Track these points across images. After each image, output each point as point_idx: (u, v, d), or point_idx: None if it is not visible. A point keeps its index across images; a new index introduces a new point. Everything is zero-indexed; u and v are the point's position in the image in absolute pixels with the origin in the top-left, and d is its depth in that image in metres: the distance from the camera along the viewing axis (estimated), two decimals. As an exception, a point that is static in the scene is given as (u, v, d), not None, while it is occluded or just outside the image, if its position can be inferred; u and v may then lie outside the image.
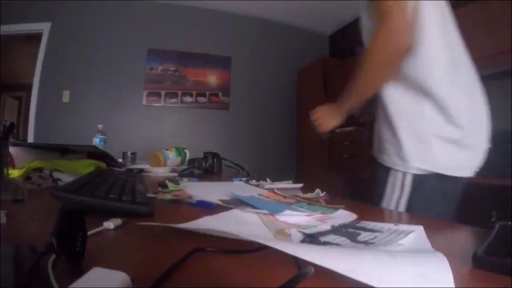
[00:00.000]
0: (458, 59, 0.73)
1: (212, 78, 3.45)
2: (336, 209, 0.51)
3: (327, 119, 0.86)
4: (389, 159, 0.75)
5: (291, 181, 0.98)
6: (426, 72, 0.69)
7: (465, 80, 0.73)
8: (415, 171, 0.71)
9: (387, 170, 0.76)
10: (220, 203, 0.53)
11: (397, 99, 0.73)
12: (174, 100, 3.32)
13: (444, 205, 0.72)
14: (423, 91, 0.70)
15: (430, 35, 0.68)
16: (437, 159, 0.70)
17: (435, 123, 0.70)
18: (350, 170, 2.76)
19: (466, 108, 0.71)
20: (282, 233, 0.37)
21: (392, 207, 0.73)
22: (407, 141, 0.71)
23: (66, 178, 0.69)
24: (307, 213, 0.47)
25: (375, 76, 0.72)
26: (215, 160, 1.40)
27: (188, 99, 3.37)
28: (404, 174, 0.72)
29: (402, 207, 0.72)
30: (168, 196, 0.58)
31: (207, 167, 1.36)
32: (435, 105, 0.69)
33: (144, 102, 3.23)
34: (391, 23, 0.64)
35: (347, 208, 0.52)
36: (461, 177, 0.72)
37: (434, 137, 0.70)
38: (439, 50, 0.70)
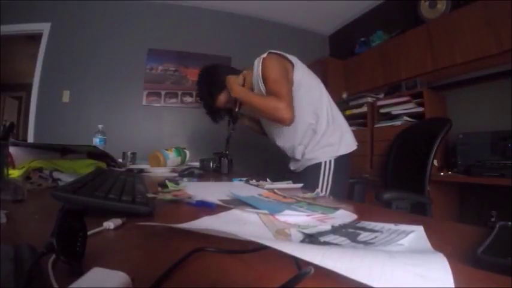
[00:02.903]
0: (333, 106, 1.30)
1: (212, 78, 3.45)
2: (336, 209, 0.51)
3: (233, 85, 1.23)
4: (321, 156, 1.22)
5: (291, 181, 0.99)
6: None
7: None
8: (335, 157, 1.22)
9: (319, 164, 1.21)
10: (220, 203, 0.53)
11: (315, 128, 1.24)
12: (174, 100, 3.32)
13: (348, 169, 1.29)
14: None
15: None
16: (342, 148, 1.23)
17: (331, 135, 1.23)
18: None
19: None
20: (282, 233, 0.37)
21: (325, 182, 1.20)
22: (334, 142, 1.22)
23: (66, 178, 0.69)
24: (307, 213, 0.47)
25: (264, 112, 1.14)
26: (222, 159, 1.43)
27: (188, 99, 3.37)
28: (331, 160, 1.21)
29: (331, 180, 1.20)
30: (168, 196, 0.58)
31: (215, 167, 1.39)
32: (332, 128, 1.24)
33: (144, 102, 3.22)
34: (283, 103, 1.06)
35: (347, 208, 0.52)
36: (349, 153, 1.26)
37: (340, 137, 1.23)
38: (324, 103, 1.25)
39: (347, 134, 1.26)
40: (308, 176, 1.23)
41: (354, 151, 1.27)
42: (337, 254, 0.22)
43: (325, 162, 1.21)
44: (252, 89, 1.25)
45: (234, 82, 1.23)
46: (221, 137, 3.40)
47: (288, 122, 1.08)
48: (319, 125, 1.22)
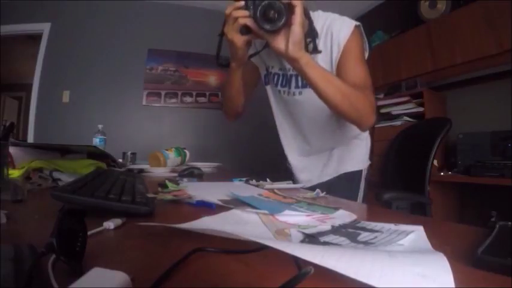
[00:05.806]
0: None
1: (212, 78, 3.45)
2: (336, 209, 0.51)
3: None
4: (359, 164, 1.15)
5: (291, 181, 0.98)
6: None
7: None
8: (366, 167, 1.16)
9: (359, 171, 1.14)
10: (220, 203, 0.53)
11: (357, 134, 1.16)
12: (174, 100, 3.32)
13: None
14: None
15: None
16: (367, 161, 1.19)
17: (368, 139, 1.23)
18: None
19: None
20: (282, 233, 0.37)
21: (362, 188, 1.14)
22: (365, 154, 1.19)
23: (66, 178, 0.69)
24: (307, 213, 0.47)
25: (343, 103, 0.78)
26: None
27: (188, 99, 3.37)
28: (364, 170, 1.15)
29: (363, 187, 1.14)
30: (168, 196, 0.58)
31: None
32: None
33: (144, 102, 3.23)
34: (371, 98, 0.84)
35: (347, 208, 0.52)
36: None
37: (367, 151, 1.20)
38: None
39: None
40: (345, 184, 1.10)
41: None
42: (337, 254, 0.22)
43: (364, 169, 1.14)
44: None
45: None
46: (220, 137, 3.41)
47: (368, 128, 0.93)
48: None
